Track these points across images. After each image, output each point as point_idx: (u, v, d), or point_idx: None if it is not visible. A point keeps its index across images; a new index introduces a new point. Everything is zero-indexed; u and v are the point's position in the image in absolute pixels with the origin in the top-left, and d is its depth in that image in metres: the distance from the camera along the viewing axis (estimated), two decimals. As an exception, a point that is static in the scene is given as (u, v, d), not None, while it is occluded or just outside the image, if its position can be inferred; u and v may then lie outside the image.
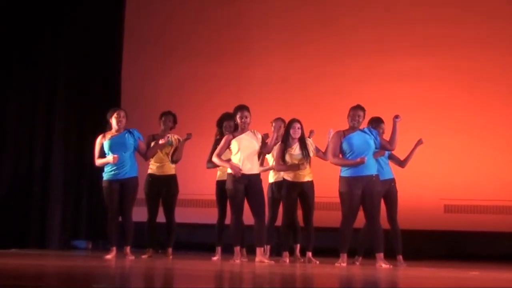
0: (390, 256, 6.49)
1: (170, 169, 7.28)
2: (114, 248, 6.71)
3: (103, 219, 7.56)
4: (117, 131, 6.80)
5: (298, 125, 6.86)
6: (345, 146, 6.43)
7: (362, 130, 6.45)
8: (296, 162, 6.81)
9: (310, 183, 6.90)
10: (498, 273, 5.89)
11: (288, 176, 6.88)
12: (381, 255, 6.29)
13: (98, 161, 6.84)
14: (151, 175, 7.27)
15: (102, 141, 6.81)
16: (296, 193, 6.87)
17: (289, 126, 6.88)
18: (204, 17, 9.51)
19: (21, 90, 8.79)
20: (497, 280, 5.14)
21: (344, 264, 6.31)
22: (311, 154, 6.92)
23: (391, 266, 6.15)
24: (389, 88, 8.71)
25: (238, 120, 6.66)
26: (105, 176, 6.81)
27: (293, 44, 9.16)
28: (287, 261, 6.80)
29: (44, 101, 8.90)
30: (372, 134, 6.44)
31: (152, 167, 7.27)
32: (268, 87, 9.02)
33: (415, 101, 8.66)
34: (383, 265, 6.19)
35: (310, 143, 7.00)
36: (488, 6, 8.83)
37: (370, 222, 6.36)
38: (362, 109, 6.52)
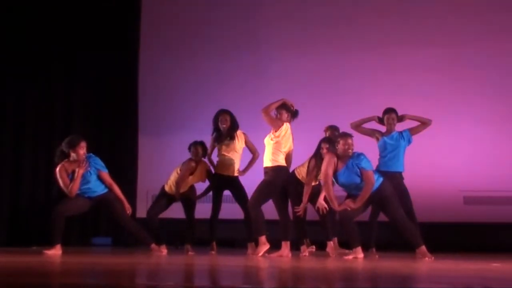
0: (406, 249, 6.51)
1: None
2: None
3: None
4: None
5: (327, 146, 6.84)
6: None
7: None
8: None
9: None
10: (519, 265, 5.84)
11: (299, 175, 6.97)
12: (422, 248, 6.36)
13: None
14: None
15: None
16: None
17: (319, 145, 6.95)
18: (219, 13, 9.53)
19: (38, 93, 8.92)
20: (519, 271, 5.10)
21: (361, 256, 6.35)
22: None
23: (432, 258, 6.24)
24: (407, 78, 8.69)
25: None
26: None
27: (308, 38, 9.15)
28: (305, 254, 6.85)
29: (62, 101, 9.02)
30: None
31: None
32: (283, 81, 9.02)
33: (433, 91, 8.62)
34: (427, 258, 6.25)
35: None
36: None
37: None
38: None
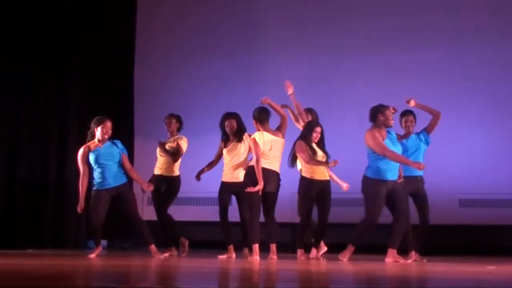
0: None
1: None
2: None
3: (119, 218, 7.76)
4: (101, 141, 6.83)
5: (319, 129, 6.85)
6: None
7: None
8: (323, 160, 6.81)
9: (328, 182, 6.90)
10: (515, 267, 5.85)
11: (307, 173, 6.83)
12: (394, 251, 6.33)
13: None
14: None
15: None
16: (315, 192, 6.80)
17: (311, 128, 6.84)
18: (215, 15, 9.52)
19: (35, 95, 8.91)
20: (514, 274, 5.11)
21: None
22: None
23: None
24: (405, 81, 8.68)
25: None
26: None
27: (306, 40, 9.15)
28: (302, 258, 6.79)
29: (57, 102, 8.98)
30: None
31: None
32: (280, 83, 8.98)
33: (430, 94, 8.61)
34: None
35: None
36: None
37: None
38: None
